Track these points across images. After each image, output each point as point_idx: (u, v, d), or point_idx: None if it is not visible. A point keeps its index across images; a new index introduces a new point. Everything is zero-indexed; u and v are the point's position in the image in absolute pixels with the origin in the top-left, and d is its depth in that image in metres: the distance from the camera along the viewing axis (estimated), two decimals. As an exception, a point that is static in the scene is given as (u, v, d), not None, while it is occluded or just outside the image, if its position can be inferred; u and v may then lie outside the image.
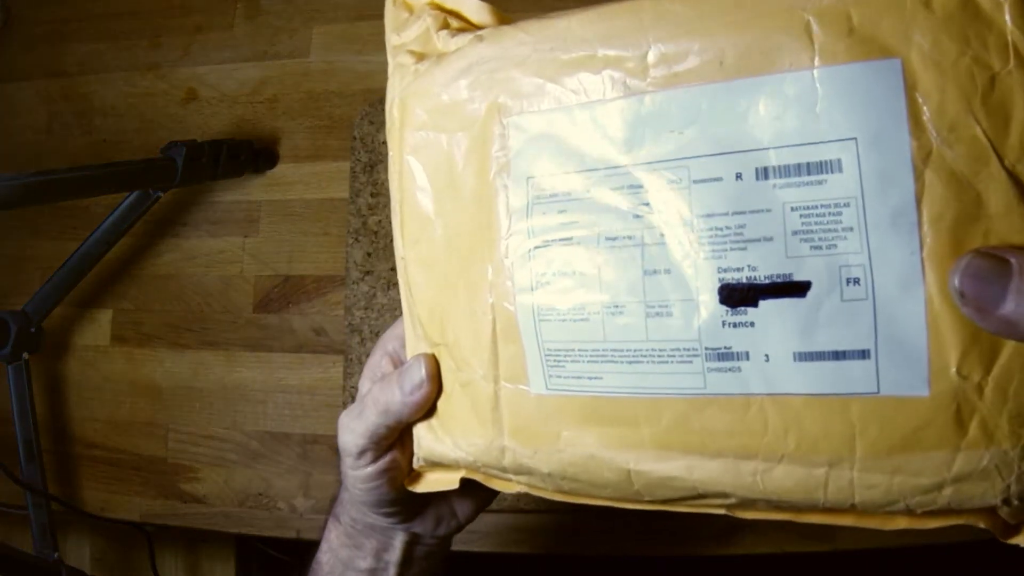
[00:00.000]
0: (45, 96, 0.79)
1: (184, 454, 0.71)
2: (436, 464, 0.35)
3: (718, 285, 0.27)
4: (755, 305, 0.26)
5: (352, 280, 0.68)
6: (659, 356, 0.28)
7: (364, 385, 0.39)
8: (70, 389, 0.74)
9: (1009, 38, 0.23)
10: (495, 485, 0.34)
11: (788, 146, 0.26)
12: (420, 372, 0.34)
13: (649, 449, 0.29)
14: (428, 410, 0.35)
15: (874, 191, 0.24)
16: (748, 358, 0.26)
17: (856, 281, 0.25)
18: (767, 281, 0.26)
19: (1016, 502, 0.25)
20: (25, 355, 0.67)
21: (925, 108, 0.24)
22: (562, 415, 0.30)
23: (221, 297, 0.72)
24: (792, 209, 0.26)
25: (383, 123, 0.68)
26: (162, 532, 0.72)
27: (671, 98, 0.28)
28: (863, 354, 0.25)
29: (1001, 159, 0.23)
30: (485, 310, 0.32)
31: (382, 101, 0.69)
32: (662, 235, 0.28)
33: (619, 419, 0.29)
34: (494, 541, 0.63)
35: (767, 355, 0.26)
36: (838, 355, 0.25)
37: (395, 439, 0.36)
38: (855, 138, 0.25)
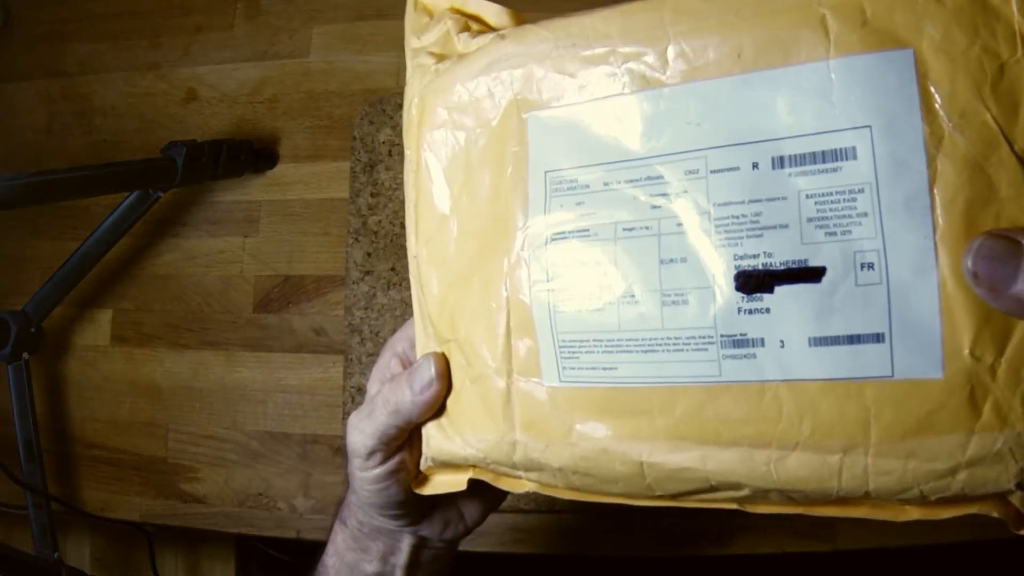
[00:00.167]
0: (45, 96, 0.79)
1: (184, 454, 0.70)
2: (445, 464, 0.35)
3: (734, 272, 0.27)
4: (771, 291, 0.27)
5: (352, 280, 0.68)
6: (674, 344, 0.28)
7: (373, 387, 0.38)
8: (70, 389, 0.74)
9: (1017, 28, 0.24)
10: (503, 485, 0.34)
11: (804, 135, 0.26)
12: (430, 370, 0.34)
13: (662, 440, 0.29)
14: (438, 409, 0.35)
15: (888, 177, 0.25)
16: (763, 344, 0.27)
17: (870, 266, 0.25)
18: (783, 267, 0.26)
19: None
20: (25, 355, 0.67)
21: (936, 96, 0.25)
22: (575, 407, 0.30)
23: (221, 297, 0.72)
24: (807, 197, 0.26)
25: (383, 123, 0.69)
26: (162, 532, 0.72)
27: (690, 91, 0.28)
28: (877, 338, 0.25)
29: (1011, 144, 0.24)
30: (500, 304, 0.32)
31: (382, 101, 0.69)
32: (679, 224, 0.28)
33: (633, 410, 0.29)
34: (494, 541, 0.63)
35: (782, 341, 0.26)
36: (853, 339, 0.26)
37: (404, 440, 0.36)
38: (869, 126, 0.25)
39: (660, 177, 0.29)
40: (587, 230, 0.30)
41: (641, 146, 0.29)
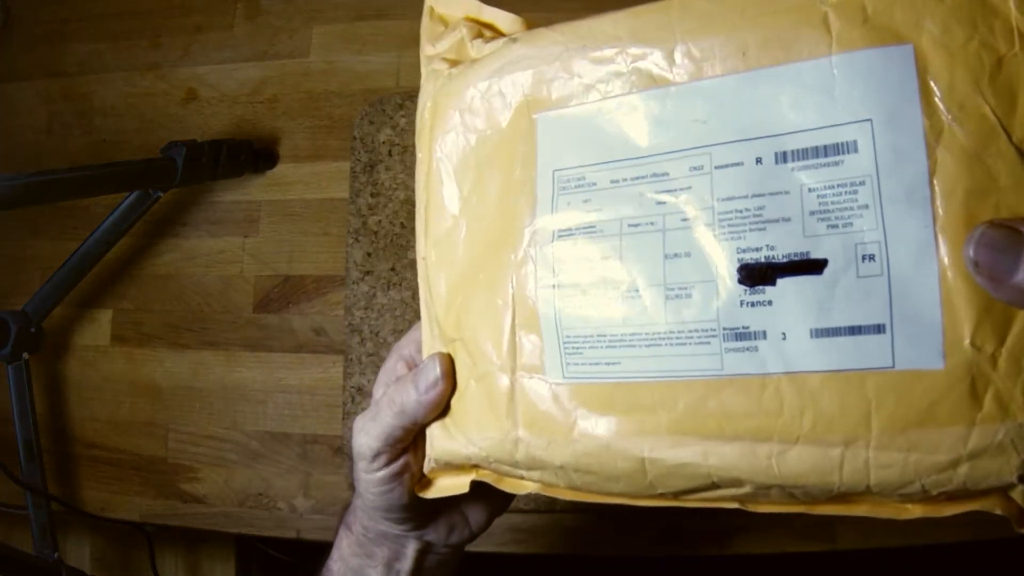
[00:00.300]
0: (45, 96, 0.79)
1: (184, 454, 0.70)
2: (448, 464, 0.35)
3: (737, 265, 0.27)
4: (773, 283, 0.27)
5: (352, 280, 0.68)
6: (677, 338, 0.29)
7: (378, 390, 0.38)
8: (70, 389, 0.74)
9: (1014, 23, 0.25)
10: (506, 486, 0.34)
11: (806, 130, 0.27)
12: (435, 370, 0.34)
13: (664, 435, 0.29)
14: (442, 410, 0.35)
15: (889, 169, 0.26)
16: (765, 337, 0.27)
17: (871, 257, 0.26)
18: (785, 260, 0.27)
19: None
20: (25, 355, 0.67)
21: (936, 89, 0.25)
22: (578, 403, 0.31)
23: (221, 297, 0.72)
24: (810, 190, 0.27)
25: (383, 123, 0.69)
26: (162, 532, 0.72)
27: (696, 90, 0.29)
28: (879, 328, 0.25)
29: (1009, 135, 0.25)
30: (506, 301, 0.32)
31: (382, 101, 0.69)
32: (683, 220, 0.29)
33: (635, 405, 0.30)
34: (494, 541, 0.63)
35: (784, 333, 0.27)
36: (854, 330, 0.26)
37: (409, 442, 0.36)
38: (870, 119, 0.26)
39: (666, 174, 0.29)
40: (593, 226, 0.31)
41: (648, 144, 0.30)
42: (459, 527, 0.41)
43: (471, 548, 0.41)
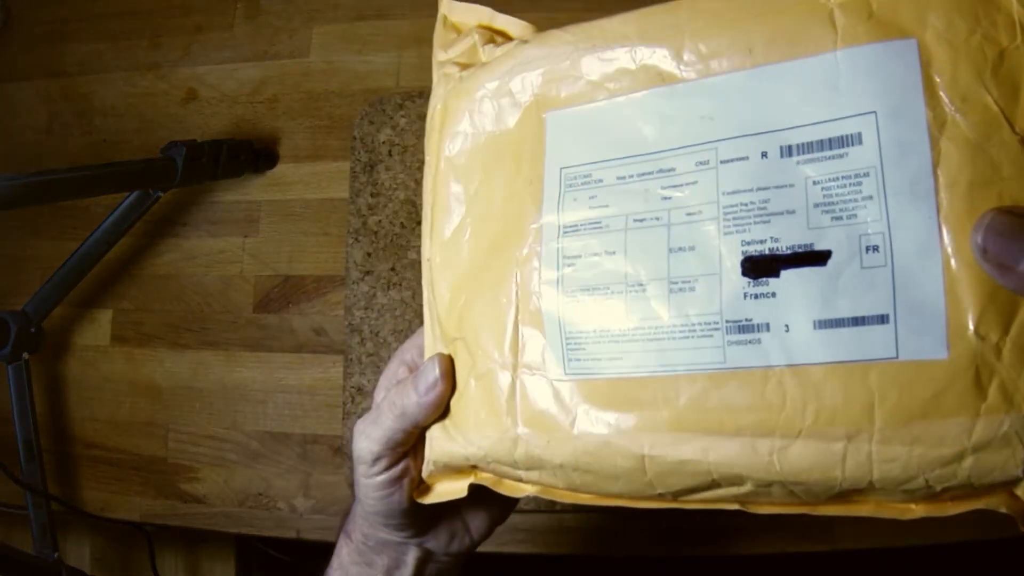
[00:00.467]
0: (45, 96, 0.79)
1: (184, 454, 0.70)
2: (447, 466, 0.35)
3: (741, 258, 0.28)
4: (777, 275, 0.27)
5: (352, 280, 0.68)
6: (680, 332, 0.29)
7: (379, 394, 0.38)
8: (70, 389, 0.74)
9: (1016, 17, 0.25)
10: (505, 488, 0.34)
11: (812, 124, 0.27)
12: (434, 371, 0.34)
13: (665, 432, 0.29)
14: (442, 412, 0.35)
15: (893, 160, 0.26)
16: (768, 329, 0.27)
17: (875, 248, 0.26)
18: (788, 251, 0.27)
19: None
20: (25, 355, 0.67)
21: (939, 82, 0.26)
22: (579, 400, 0.31)
23: (221, 297, 0.72)
24: (814, 183, 0.27)
25: (383, 123, 0.69)
26: (162, 532, 0.72)
27: (703, 87, 0.30)
28: (882, 319, 0.26)
29: (1012, 125, 0.25)
30: (510, 298, 0.32)
31: (382, 101, 0.69)
32: (688, 214, 0.29)
33: (637, 400, 0.29)
34: (494, 541, 0.63)
35: (787, 325, 0.27)
36: (858, 321, 0.26)
37: (410, 446, 0.36)
38: (875, 112, 0.26)
39: (672, 169, 0.30)
40: (599, 222, 0.31)
41: (655, 141, 0.30)
42: (460, 535, 0.41)
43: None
